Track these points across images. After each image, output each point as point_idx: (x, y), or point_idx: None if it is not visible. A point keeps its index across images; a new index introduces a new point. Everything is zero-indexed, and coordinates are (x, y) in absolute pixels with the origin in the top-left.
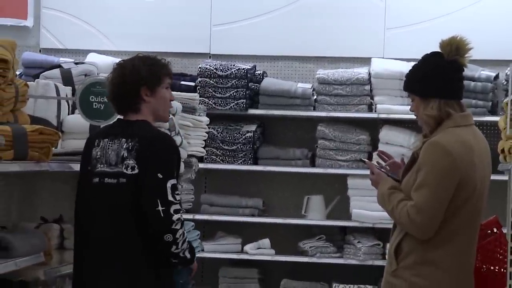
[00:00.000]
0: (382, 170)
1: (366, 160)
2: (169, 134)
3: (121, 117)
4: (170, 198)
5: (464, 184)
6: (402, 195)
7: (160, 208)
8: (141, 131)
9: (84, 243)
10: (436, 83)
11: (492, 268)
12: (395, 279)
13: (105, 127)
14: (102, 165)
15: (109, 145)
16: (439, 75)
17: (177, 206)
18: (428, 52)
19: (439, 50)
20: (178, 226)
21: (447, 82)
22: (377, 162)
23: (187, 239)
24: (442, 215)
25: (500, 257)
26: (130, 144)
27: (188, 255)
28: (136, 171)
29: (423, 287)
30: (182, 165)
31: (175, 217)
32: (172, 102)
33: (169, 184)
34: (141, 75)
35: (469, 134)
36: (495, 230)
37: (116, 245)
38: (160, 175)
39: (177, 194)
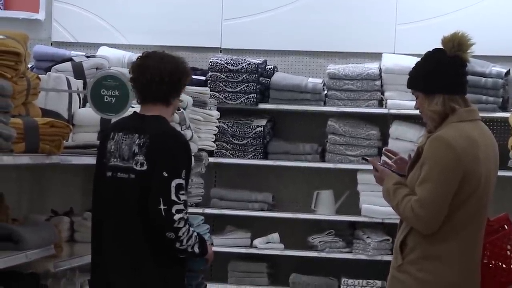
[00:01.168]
0: (386, 166)
1: (369, 158)
2: (180, 128)
3: (137, 110)
4: (173, 197)
5: (468, 179)
6: (407, 190)
7: (162, 206)
8: (154, 127)
9: (98, 235)
10: (439, 78)
11: (500, 264)
12: (401, 274)
13: (121, 120)
14: (115, 159)
15: (123, 139)
16: (442, 71)
17: (180, 206)
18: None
19: (441, 47)
20: (181, 225)
21: (451, 77)
22: (385, 162)
23: (194, 235)
24: (446, 209)
25: (509, 253)
26: (142, 140)
27: (196, 250)
28: (145, 167)
29: (428, 282)
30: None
31: (177, 216)
32: (183, 96)
33: (173, 184)
34: (188, 72)
35: (474, 128)
36: (505, 226)
37: (124, 239)
38: (165, 174)
39: (182, 194)
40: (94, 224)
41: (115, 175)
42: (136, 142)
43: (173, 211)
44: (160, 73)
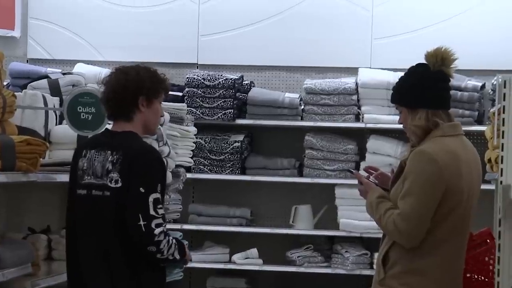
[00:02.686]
0: (371, 180)
1: (354, 170)
2: (157, 144)
3: (109, 126)
4: (152, 212)
5: (450, 193)
6: (390, 204)
7: (141, 222)
8: (126, 143)
9: (74, 254)
10: (423, 93)
11: (482, 278)
12: None
13: (92, 138)
14: (89, 177)
15: (95, 157)
16: (426, 86)
17: (159, 220)
18: (414, 63)
19: (424, 62)
20: (161, 238)
21: (434, 92)
22: (368, 176)
23: (173, 243)
24: (428, 223)
25: (491, 268)
26: (115, 156)
27: (177, 256)
28: (120, 184)
29: None
30: (169, 175)
31: (157, 231)
32: (165, 116)
33: (151, 199)
34: (144, 84)
35: (457, 143)
36: (488, 241)
37: (102, 256)
38: (142, 189)
39: (160, 208)
40: (69, 243)
41: (89, 192)
42: (109, 159)
43: (153, 225)
44: (111, 90)
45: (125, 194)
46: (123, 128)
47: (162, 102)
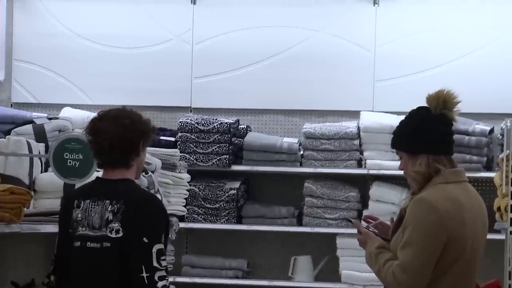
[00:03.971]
0: (370, 229)
1: (353, 219)
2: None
3: (100, 174)
4: (155, 264)
5: (453, 243)
6: (389, 255)
7: (144, 274)
8: (127, 192)
9: None
10: (423, 138)
11: None
12: None
13: (84, 187)
14: (84, 228)
15: (91, 207)
16: (427, 130)
17: (162, 273)
18: (415, 107)
19: (425, 105)
20: None
21: (435, 137)
22: (368, 226)
23: None
24: (429, 274)
25: None
26: (115, 206)
27: None
28: (121, 234)
29: None
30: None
31: (160, 284)
32: (151, 158)
33: (154, 249)
34: (143, 130)
35: (460, 190)
36: None
37: None
38: (145, 240)
39: (163, 260)
40: None
41: (84, 244)
42: (109, 209)
43: (156, 278)
44: (110, 137)
45: (127, 244)
46: (119, 176)
47: (155, 148)
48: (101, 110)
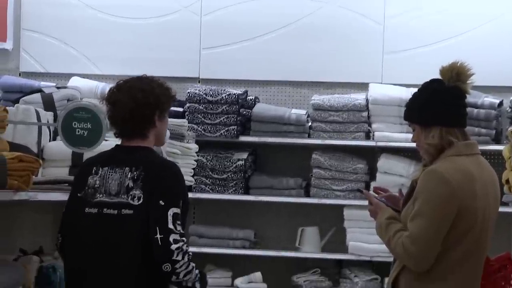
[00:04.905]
0: (382, 200)
1: (364, 190)
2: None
3: (119, 142)
4: (170, 226)
5: (463, 215)
6: (399, 226)
7: (158, 236)
8: (146, 159)
9: (78, 280)
10: (436, 110)
11: None
12: None
13: (103, 154)
14: (101, 195)
15: (109, 174)
16: (440, 102)
17: (177, 236)
18: (428, 79)
19: (439, 77)
20: (179, 257)
21: (449, 109)
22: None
23: (195, 271)
24: (438, 246)
25: None
26: (135, 173)
27: (197, 286)
28: (142, 201)
29: None
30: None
31: (174, 246)
32: None
33: (170, 212)
34: (159, 99)
35: (472, 163)
36: (507, 266)
37: (119, 279)
38: (162, 202)
39: (179, 224)
40: (70, 268)
41: (101, 211)
42: (129, 176)
43: (171, 240)
44: (123, 111)
45: (148, 210)
46: (136, 144)
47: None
48: (121, 79)
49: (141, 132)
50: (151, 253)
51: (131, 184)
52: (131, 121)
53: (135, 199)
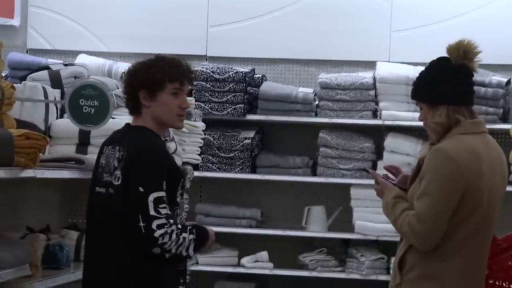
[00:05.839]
0: (388, 179)
1: (370, 169)
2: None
3: (128, 120)
4: (152, 212)
5: (470, 193)
6: (406, 205)
7: (141, 223)
8: (130, 139)
9: (87, 251)
10: (443, 88)
11: (506, 285)
12: None
13: (113, 133)
14: (106, 174)
15: (110, 153)
16: (447, 80)
17: (162, 221)
18: (435, 57)
19: (446, 55)
20: (165, 239)
21: (456, 87)
22: (387, 175)
23: (186, 238)
24: (445, 225)
25: None
26: (120, 153)
27: (191, 253)
28: (119, 182)
29: None
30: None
31: (158, 233)
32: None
33: (151, 198)
34: (138, 79)
35: (479, 141)
36: None
37: (107, 255)
38: (141, 189)
39: (163, 208)
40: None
41: (107, 190)
42: (117, 156)
43: (154, 227)
44: (124, 86)
45: (123, 192)
46: (135, 123)
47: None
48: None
49: (133, 109)
50: (129, 234)
51: (116, 164)
52: (125, 98)
53: (115, 178)
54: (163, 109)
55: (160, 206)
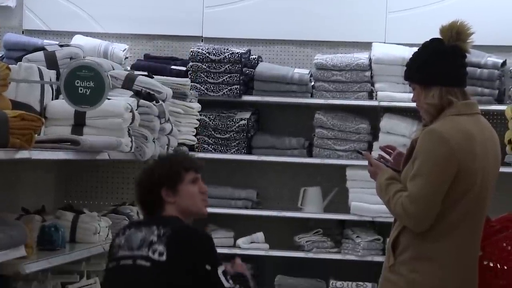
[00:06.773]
0: (381, 160)
1: (363, 151)
2: (158, 121)
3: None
4: (227, 285)
5: (463, 175)
6: (399, 186)
7: None
8: (174, 222)
9: None
10: (436, 70)
11: (501, 266)
12: (392, 275)
13: (135, 221)
14: (122, 250)
15: (135, 233)
16: (439, 62)
17: None
18: (429, 38)
19: (439, 36)
20: None
21: (448, 68)
22: (381, 156)
23: None
24: (438, 206)
25: (511, 256)
26: (161, 230)
27: None
28: (164, 258)
29: (420, 284)
30: None
31: None
32: (162, 87)
33: (219, 271)
34: (158, 176)
35: (472, 122)
36: (508, 227)
37: None
38: (208, 267)
39: (230, 278)
40: None
41: (118, 263)
42: (155, 233)
43: None
44: (141, 193)
45: (170, 270)
46: (163, 214)
47: (166, 77)
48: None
49: (156, 209)
50: None
51: (154, 239)
52: (142, 202)
53: (155, 252)
54: (188, 200)
55: (228, 277)
